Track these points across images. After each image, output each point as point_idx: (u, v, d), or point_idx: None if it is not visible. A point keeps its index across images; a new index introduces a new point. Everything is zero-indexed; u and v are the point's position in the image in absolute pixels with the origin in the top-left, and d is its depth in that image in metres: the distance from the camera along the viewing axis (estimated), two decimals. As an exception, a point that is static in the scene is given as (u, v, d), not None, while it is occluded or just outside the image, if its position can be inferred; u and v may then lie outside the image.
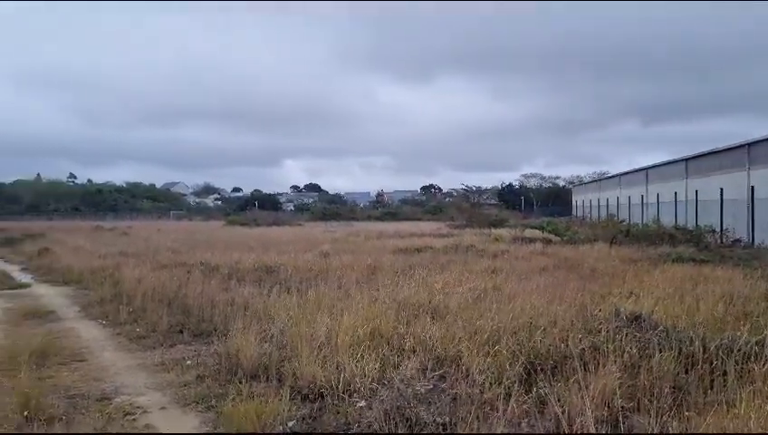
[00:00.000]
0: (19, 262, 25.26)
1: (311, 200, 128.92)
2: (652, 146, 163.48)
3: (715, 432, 5.08)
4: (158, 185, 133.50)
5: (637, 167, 53.88)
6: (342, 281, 12.74)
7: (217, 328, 9.67)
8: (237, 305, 10.92)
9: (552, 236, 28.99)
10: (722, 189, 34.68)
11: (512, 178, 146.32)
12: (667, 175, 44.42)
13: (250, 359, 7.45)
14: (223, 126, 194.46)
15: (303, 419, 5.85)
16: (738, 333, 7.16)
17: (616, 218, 34.52)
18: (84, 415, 6.31)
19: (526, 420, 5.41)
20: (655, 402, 5.57)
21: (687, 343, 6.94)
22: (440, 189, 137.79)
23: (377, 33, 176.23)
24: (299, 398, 6.39)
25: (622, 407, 5.50)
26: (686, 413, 5.50)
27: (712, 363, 6.58)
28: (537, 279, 13.19)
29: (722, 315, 8.95)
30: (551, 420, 5.34)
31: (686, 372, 6.48)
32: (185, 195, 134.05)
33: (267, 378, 7.10)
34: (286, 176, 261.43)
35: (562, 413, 5.24)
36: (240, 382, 6.87)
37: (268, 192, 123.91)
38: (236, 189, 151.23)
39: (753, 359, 6.55)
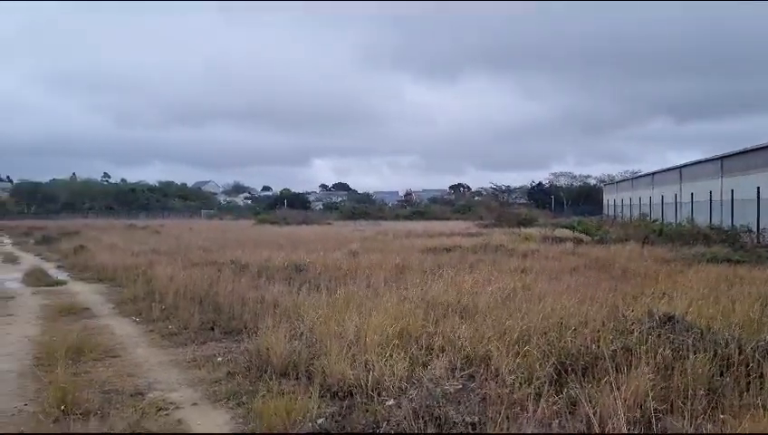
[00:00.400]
0: (55, 259, 25.84)
1: (339, 199, 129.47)
2: (685, 144, 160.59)
3: (750, 433, 4.97)
4: (189, 184, 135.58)
5: (670, 165, 52.93)
6: (371, 280, 12.71)
7: (247, 326, 9.73)
8: (267, 303, 11.01)
9: (582, 236, 28.53)
10: (759, 188, 33.82)
11: (541, 176, 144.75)
12: (702, 174, 43.46)
13: (280, 356, 7.50)
14: (252, 125, 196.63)
15: (332, 416, 5.86)
16: (776, 336, 6.99)
17: (648, 218, 33.97)
18: (119, 410, 6.44)
19: (557, 420, 5.35)
20: (689, 404, 5.47)
21: (723, 344, 6.79)
22: (469, 188, 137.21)
23: (404, 33, 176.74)
24: (328, 396, 6.42)
25: (655, 409, 5.40)
26: (721, 416, 5.40)
27: (748, 366, 6.43)
28: (567, 279, 13.04)
29: (758, 317, 8.72)
30: (582, 421, 5.27)
31: (722, 375, 6.34)
32: (215, 194, 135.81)
33: (297, 375, 7.15)
34: (315, 175, 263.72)
35: (594, 414, 5.18)
36: (270, 379, 6.92)
37: (297, 191, 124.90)
38: (266, 188, 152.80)
39: (791, 362, 6.38)
